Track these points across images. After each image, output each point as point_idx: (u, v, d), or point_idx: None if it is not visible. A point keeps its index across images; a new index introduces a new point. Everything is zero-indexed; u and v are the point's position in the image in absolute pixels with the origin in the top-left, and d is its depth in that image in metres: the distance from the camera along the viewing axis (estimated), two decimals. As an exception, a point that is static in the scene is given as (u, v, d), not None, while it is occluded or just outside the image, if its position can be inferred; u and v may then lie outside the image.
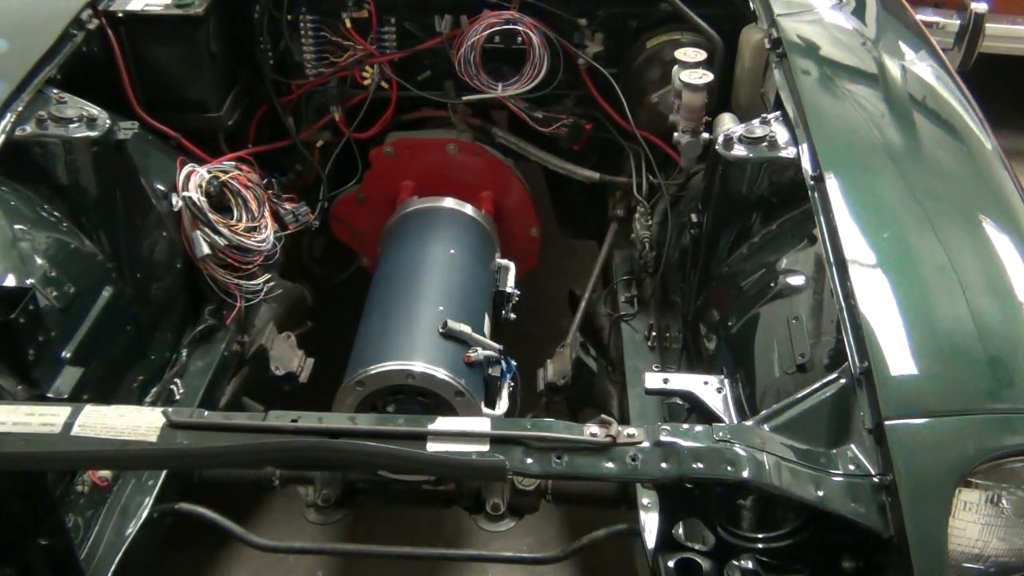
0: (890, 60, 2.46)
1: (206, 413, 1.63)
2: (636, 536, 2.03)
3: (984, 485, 1.57)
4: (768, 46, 2.50)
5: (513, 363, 2.41)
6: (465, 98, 2.95)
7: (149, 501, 2.12)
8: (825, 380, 1.73)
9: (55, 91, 2.29)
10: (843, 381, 1.71)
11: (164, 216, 2.48)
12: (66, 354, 2.07)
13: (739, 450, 1.55)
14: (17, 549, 1.77)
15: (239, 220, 2.58)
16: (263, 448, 1.57)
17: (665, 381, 2.03)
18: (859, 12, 2.71)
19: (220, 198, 2.58)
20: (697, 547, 1.73)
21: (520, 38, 2.80)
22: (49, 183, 2.25)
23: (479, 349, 2.37)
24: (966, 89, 2.42)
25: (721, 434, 1.58)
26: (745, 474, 1.53)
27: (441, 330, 2.37)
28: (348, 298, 2.85)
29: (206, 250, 2.49)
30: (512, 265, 2.81)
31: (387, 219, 2.99)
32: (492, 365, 2.39)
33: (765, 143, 2.24)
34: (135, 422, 1.58)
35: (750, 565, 1.70)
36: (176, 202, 2.49)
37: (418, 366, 2.26)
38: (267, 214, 2.67)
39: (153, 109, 2.68)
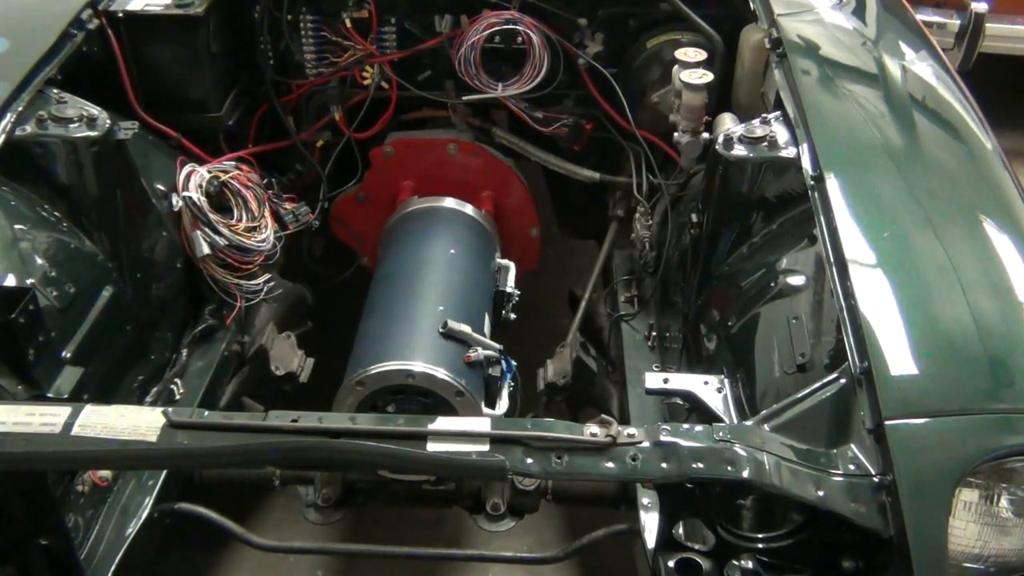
0: (890, 60, 2.46)
1: (206, 413, 1.63)
2: (636, 536, 2.03)
3: (984, 485, 1.57)
4: (768, 46, 2.50)
5: (513, 363, 2.41)
6: (465, 98, 2.95)
7: (149, 501, 2.12)
8: (825, 380, 1.73)
9: (55, 91, 2.29)
10: (843, 381, 1.71)
11: (164, 216, 2.48)
12: (66, 354, 2.07)
13: (739, 450, 1.55)
14: (17, 549, 1.77)
15: (239, 220, 2.58)
16: (263, 448, 1.57)
17: (665, 381, 2.03)
18: (859, 12, 2.71)
19: (220, 198, 2.58)
20: (697, 547, 1.73)
21: (520, 38, 2.80)
22: (49, 183, 2.25)
23: (479, 349, 2.37)
24: (966, 89, 2.42)
25: (721, 434, 1.58)
26: (745, 474, 1.53)
27: (441, 330, 2.37)
28: (348, 298, 2.84)
29: (206, 250, 2.49)
30: (512, 265, 2.81)
31: (387, 219, 2.99)
32: (492, 365, 2.39)
33: (765, 143, 2.24)
34: (135, 422, 1.58)
35: (750, 565, 1.70)
36: (176, 202, 2.49)
37: (418, 366, 2.26)
38: (267, 214, 2.67)
39: (153, 109, 2.68)
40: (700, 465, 1.54)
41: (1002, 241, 1.92)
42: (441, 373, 2.26)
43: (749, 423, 1.71)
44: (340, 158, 3.10)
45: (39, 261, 2.11)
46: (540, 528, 2.89)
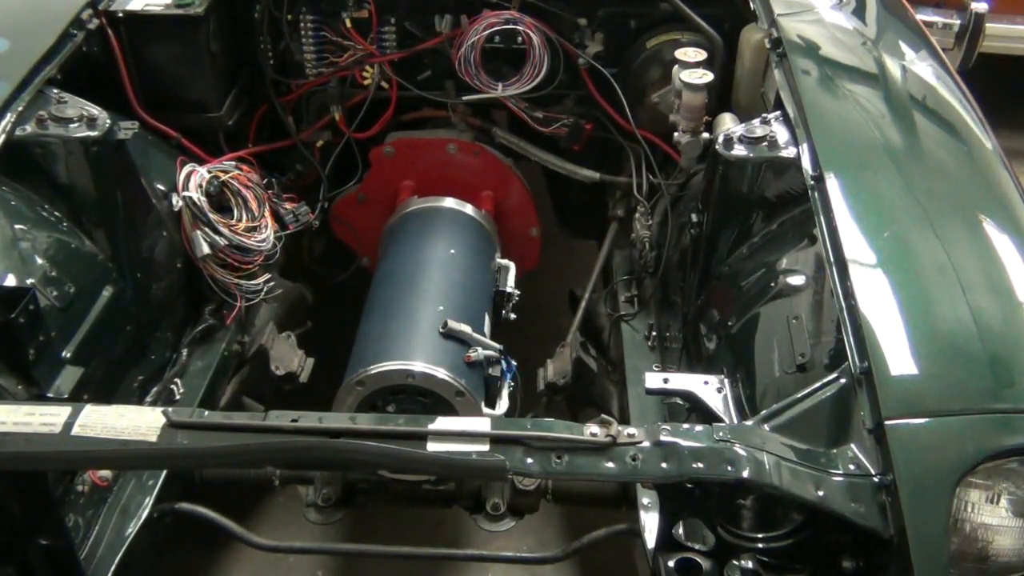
0: (890, 60, 2.46)
1: (206, 413, 1.63)
2: (636, 536, 2.03)
3: (984, 485, 1.57)
4: (768, 46, 2.50)
5: (513, 363, 2.41)
6: (465, 98, 2.95)
7: (149, 501, 2.13)
8: (825, 380, 1.73)
9: (55, 91, 2.29)
10: (843, 381, 1.71)
11: (164, 216, 2.48)
12: (66, 354, 2.07)
13: (739, 450, 1.55)
14: (17, 549, 1.77)
15: (239, 220, 2.58)
16: (263, 448, 1.57)
17: (665, 381, 2.03)
18: (859, 12, 2.71)
19: (220, 198, 2.58)
20: (697, 547, 1.73)
21: (520, 38, 2.80)
22: (49, 183, 2.25)
23: (479, 349, 2.37)
24: (966, 89, 2.42)
25: (721, 434, 1.58)
26: (745, 474, 1.53)
27: (441, 330, 2.37)
28: (348, 298, 2.85)
29: (206, 250, 2.50)
30: (512, 265, 2.81)
31: (387, 219, 2.99)
32: (492, 365, 2.39)
33: (765, 143, 2.24)
34: (135, 422, 1.58)
35: (750, 565, 1.70)
36: (176, 202, 2.49)
37: (418, 366, 2.26)
38: (267, 214, 2.67)
39: (153, 109, 2.68)
40: (700, 465, 1.54)
41: (1002, 241, 1.92)
42: (441, 373, 2.26)
43: (749, 423, 1.71)
44: (340, 158, 3.10)
45: (39, 261, 2.11)
46: (540, 528, 2.89)
